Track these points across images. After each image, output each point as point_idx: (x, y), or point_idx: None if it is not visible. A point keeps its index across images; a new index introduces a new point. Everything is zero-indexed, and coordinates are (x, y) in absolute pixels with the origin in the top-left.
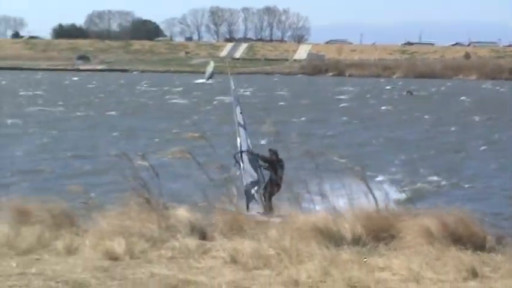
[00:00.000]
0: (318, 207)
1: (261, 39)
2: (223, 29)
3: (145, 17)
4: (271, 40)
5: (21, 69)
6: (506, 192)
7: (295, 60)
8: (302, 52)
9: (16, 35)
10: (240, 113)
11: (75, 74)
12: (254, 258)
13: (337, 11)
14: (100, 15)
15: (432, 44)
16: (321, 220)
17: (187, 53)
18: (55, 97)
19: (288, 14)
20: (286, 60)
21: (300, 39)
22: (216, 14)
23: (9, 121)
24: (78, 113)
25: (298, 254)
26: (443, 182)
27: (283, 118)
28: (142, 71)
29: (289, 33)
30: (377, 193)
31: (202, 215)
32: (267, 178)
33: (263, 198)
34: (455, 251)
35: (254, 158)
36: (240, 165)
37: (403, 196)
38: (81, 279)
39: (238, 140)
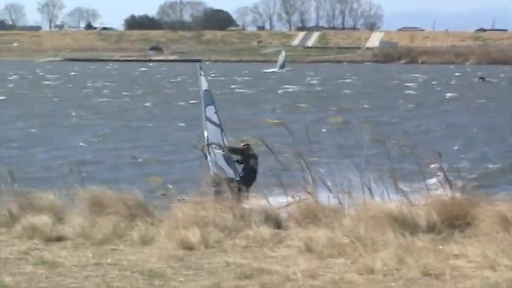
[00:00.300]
0: (391, 195)
1: (333, 28)
2: (295, 17)
3: (217, 7)
4: (343, 28)
5: (94, 60)
6: None
7: (367, 48)
8: (374, 40)
9: (89, 27)
10: (215, 112)
11: (145, 65)
12: (329, 246)
13: None
14: (172, 5)
15: (505, 30)
16: (395, 208)
17: (259, 42)
18: (122, 88)
19: (360, 2)
20: (359, 48)
21: (372, 27)
22: (287, 3)
23: (73, 112)
24: (146, 104)
25: (372, 242)
26: None
27: (347, 106)
28: (215, 61)
29: (361, 21)
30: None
31: (277, 203)
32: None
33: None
34: None
35: (227, 152)
36: (207, 157)
37: (474, 183)
38: (157, 268)
39: (205, 133)
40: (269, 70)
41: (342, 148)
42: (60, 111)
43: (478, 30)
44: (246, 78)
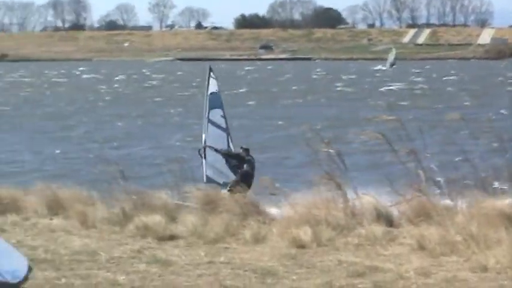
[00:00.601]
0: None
1: (443, 25)
2: (406, 14)
3: (327, 5)
4: (454, 25)
5: (204, 59)
6: None
7: (479, 44)
8: (485, 36)
9: (199, 26)
10: (222, 116)
11: (252, 64)
12: (441, 244)
13: None
14: (282, 4)
15: None
16: (508, 206)
17: (369, 40)
18: (226, 87)
19: None
20: (470, 45)
21: (483, 24)
22: (398, 0)
23: (171, 110)
24: (249, 102)
25: (485, 239)
26: None
27: (443, 104)
28: (325, 59)
29: (472, 18)
30: None
31: (389, 201)
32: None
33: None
34: None
35: (224, 155)
36: (203, 160)
37: None
38: (269, 267)
39: (204, 136)
40: (378, 67)
41: (453, 145)
42: (160, 110)
43: None
44: (352, 76)
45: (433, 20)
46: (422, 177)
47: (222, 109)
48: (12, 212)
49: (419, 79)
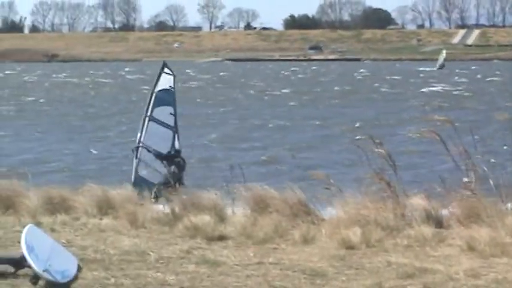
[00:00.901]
0: None
1: (493, 25)
2: (455, 15)
3: (376, 6)
4: (503, 26)
5: (254, 60)
6: None
7: None
8: None
9: (248, 27)
10: (172, 114)
11: (298, 64)
12: (491, 246)
13: None
14: (331, 5)
15: None
16: None
17: (419, 40)
18: (271, 87)
19: None
20: None
21: None
22: (447, 1)
23: (210, 111)
24: (291, 103)
25: None
26: None
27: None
28: (374, 60)
29: None
30: None
31: (439, 202)
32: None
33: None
34: None
35: (155, 155)
36: (136, 158)
37: None
38: (318, 268)
39: (139, 134)
40: (425, 68)
41: (500, 145)
42: (201, 111)
43: None
44: (396, 76)
45: (483, 21)
46: (473, 178)
47: (173, 106)
48: (62, 212)
49: (463, 80)
